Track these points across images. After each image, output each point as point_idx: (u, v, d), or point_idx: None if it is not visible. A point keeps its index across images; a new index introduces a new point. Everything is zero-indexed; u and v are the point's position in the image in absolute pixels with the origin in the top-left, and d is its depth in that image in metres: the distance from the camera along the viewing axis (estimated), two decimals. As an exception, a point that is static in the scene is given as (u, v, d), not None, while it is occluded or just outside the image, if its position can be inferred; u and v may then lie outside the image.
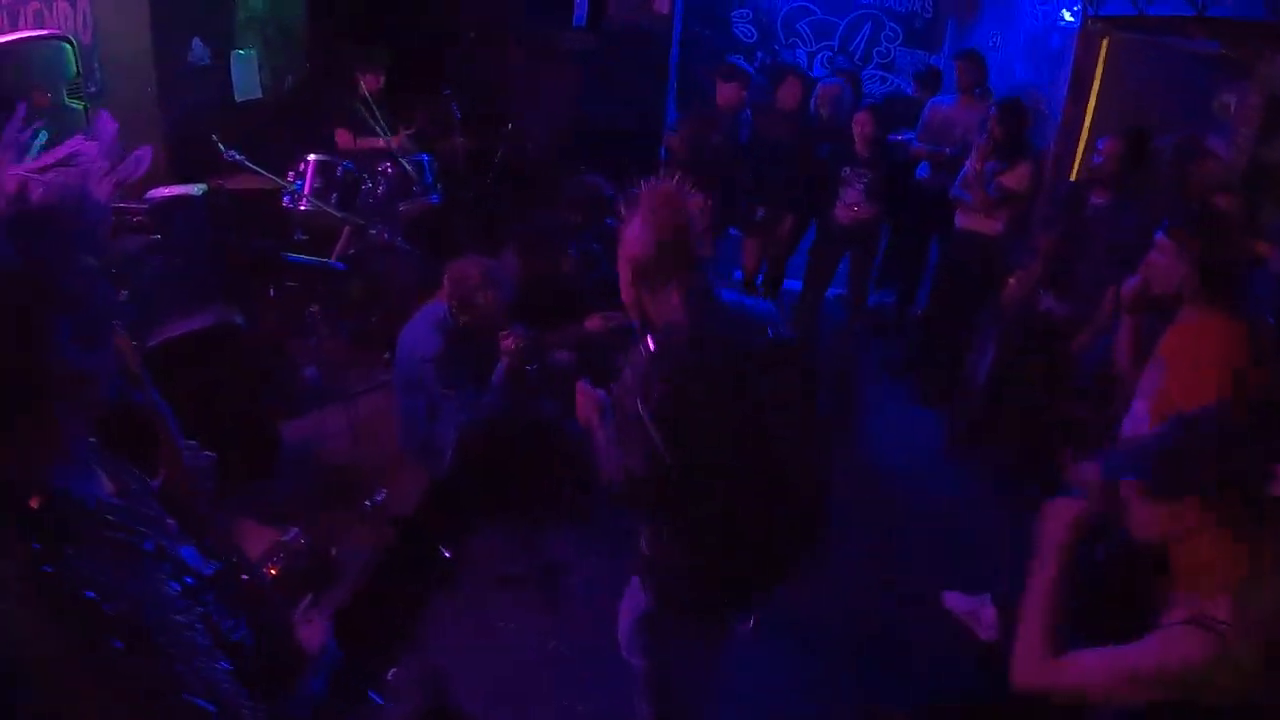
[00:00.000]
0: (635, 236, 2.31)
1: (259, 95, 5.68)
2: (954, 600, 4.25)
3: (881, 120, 6.15)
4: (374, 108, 5.51)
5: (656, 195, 2.30)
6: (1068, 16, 5.85)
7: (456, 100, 5.92)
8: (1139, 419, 3.13)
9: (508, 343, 4.11)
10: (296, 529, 3.53)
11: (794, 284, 7.26)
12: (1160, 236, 3.17)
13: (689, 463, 2.22)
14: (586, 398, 2.56)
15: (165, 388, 3.79)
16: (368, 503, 3.98)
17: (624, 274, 2.39)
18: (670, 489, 2.28)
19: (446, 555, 4.17)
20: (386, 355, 5.19)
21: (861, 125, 6.05)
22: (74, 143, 1.27)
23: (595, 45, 6.43)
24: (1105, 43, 5.95)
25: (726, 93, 6.22)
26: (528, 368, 4.33)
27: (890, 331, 7.41)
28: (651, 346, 2.27)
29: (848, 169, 6.19)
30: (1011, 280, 5.97)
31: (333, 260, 5.15)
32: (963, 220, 6.18)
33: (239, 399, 4.15)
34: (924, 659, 3.92)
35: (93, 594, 1.06)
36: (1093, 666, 1.95)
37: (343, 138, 5.64)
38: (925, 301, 7.15)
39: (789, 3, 8.57)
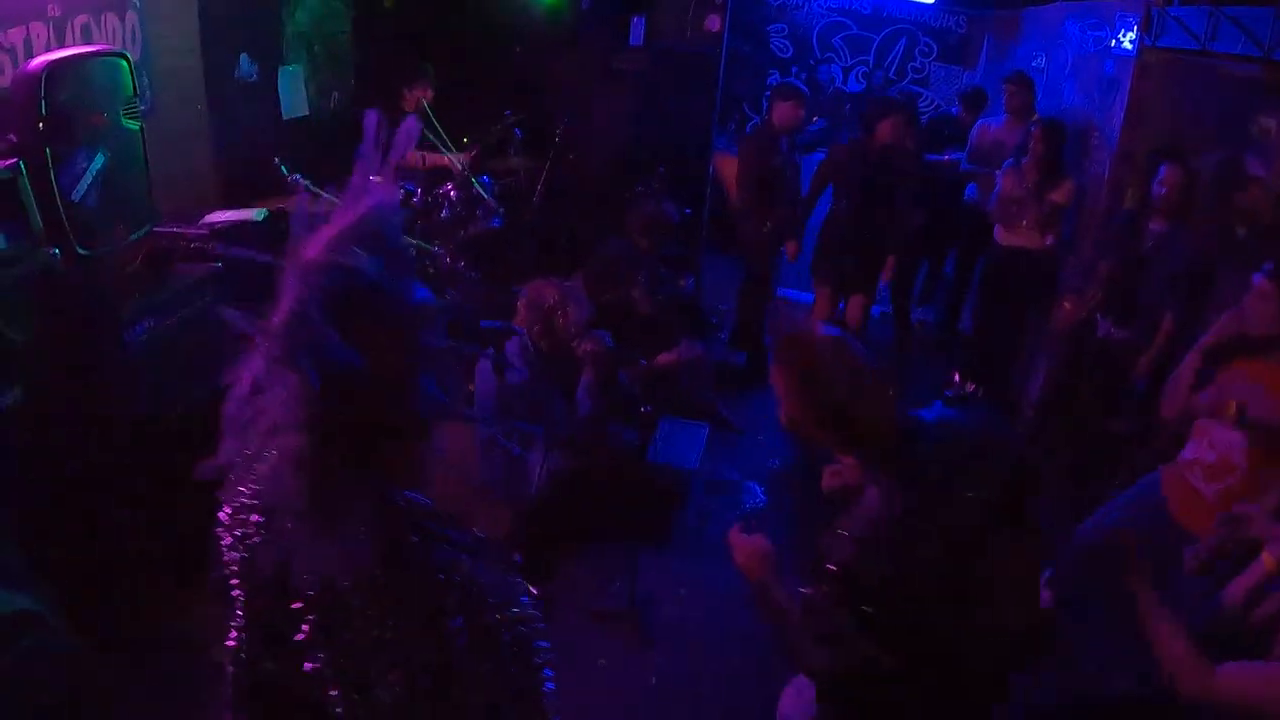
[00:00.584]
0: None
1: (306, 113, 5.44)
2: None
3: (911, 127, 6.24)
4: (434, 125, 5.31)
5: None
6: (1126, 44, 5.78)
7: (517, 121, 5.74)
8: (1225, 443, 3.17)
9: (588, 345, 4.01)
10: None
11: (804, 295, 7.22)
12: (1260, 280, 3.24)
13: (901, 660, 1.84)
14: (749, 549, 2.10)
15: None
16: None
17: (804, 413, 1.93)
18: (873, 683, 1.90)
19: (534, 592, 3.99)
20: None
21: (890, 131, 5.94)
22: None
23: (650, 64, 6.28)
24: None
25: (783, 112, 6.08)
26: (615, 374, 4.25)
27: (933, 348, 7.34)
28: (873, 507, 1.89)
29: None
30: (1067, 304, 5.99)
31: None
32: (1006, 238, 6.20)
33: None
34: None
35: (442, 576, 1.21)
36: (1252, 678, 2.03)
37: (410, 156, 5.42)
38: (970, 320, 7.15)
39: (825, 18, 8.51)
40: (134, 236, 3.72)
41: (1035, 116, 6.70)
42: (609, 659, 3.77)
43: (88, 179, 3.48)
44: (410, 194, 5.05)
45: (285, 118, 5.28)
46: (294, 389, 1.16)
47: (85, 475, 3.31)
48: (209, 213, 4.52)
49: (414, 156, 5.37)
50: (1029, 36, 7.63)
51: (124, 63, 3.69)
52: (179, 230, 4.21)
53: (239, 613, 1.33)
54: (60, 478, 3.24)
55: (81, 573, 3.13)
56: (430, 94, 5.43)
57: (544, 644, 1.32)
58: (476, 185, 5.24)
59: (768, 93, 8.84)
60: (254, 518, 1.31)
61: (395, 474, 1.30)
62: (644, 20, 6.03)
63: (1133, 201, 5.88)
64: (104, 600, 3.22)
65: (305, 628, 1.20)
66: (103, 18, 4.09)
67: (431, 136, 5.26)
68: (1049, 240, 6.09)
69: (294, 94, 5.32)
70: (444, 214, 5.14)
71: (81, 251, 3.34)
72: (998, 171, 6.50)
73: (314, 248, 1.21)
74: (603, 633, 3.89)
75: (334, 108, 5.70)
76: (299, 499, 1.19)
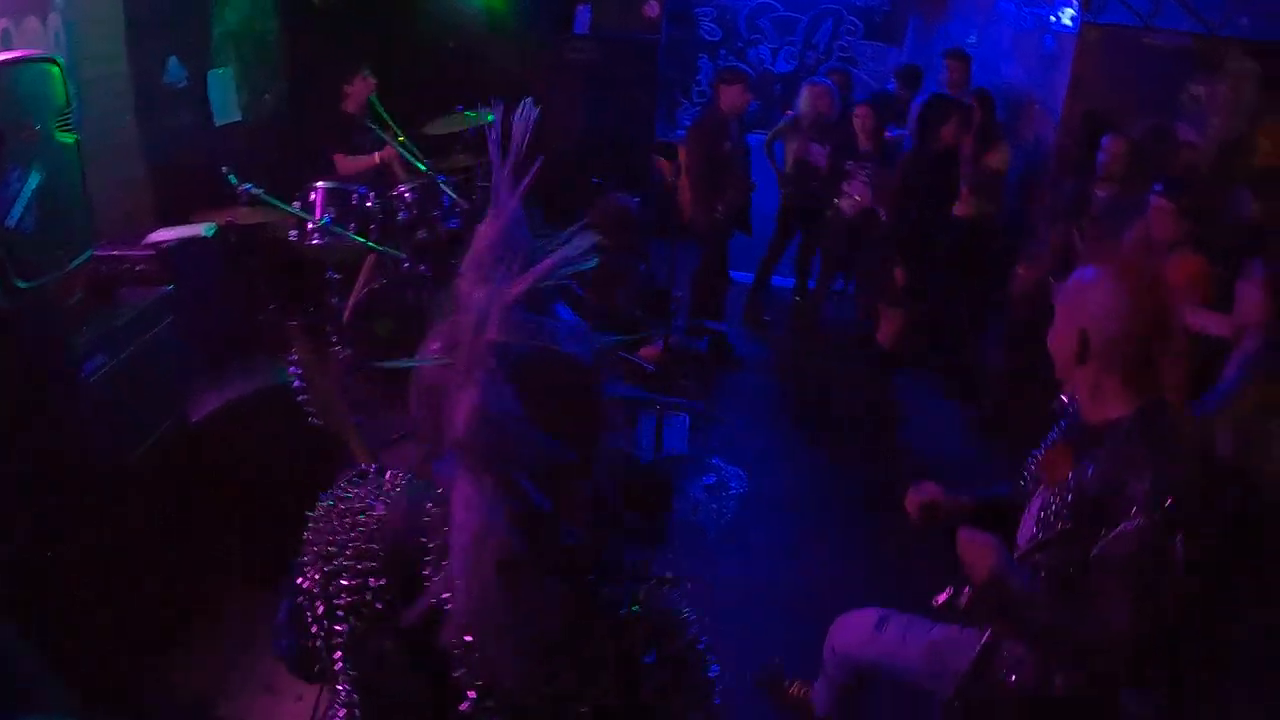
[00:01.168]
0: (1106, 306, 1.88)
1: (239, 118, 5.07)
2: None
3: (880, 114, 6.19)
4: (390, 124, 5.04)
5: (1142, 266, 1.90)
6: (1067, 21, 5.87)
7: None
8: None
9: None
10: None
11: (784, 280, 7.24)
12: (1155, 199, 4.07)
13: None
14: (978, 546, 1.94)
15: (219, 467, 3.33)
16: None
17: (1070, 344, 1.94)
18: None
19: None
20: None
21: (862, 119, 6.08)
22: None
23: (596, 53, 6.07)
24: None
25: (730, 96, 5.98)
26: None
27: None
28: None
29: (850, 163, 6.20)
30: (1020, 270, 6.14)
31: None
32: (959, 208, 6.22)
33: (303, 467, 3.69)
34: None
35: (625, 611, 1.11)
36: None
37: (342, 163, 5.10)
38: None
39: (752, 0, 8.44)
40: (75, 263, 3.36)
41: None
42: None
43: (23, 201, 3.11)
44: (364, 197, 4.74)
45: (217, 124, 4.90)
46: (493, 493, 0.97)
47: (42, 528, 2.98)
48: (148, 231, 4.16)
49: (344, 162, 5.06)
50: (959, 13, 7.71)
51: (55, 69, 3.30)
52: (121, 253, 3.85)
53: (346, 686, 1.19)
54: (12, 531, 2.90)
55: (46, 638, 2.82)
56: (373, 90, 5.12)
57: (716, 669, 1.21)
58: (441, 185, 4.97)
59: (699, 77, 8.79)
60: (377, 604, 1.15)
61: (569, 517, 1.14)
62: (589, 9, 5.81)
63: (1079, 170, 6.01)
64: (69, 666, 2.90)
65: (471, 695, 1.09)
66: (23, 21, 3.70)
67: (387, 137, 4.99)
68: (987, 206, 6.22)
69: (225, 98, 4.95)
70: (401, 216, 4.85)
71: (21, 284, 3.00)
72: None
73: (489, 327, 1.00)
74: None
75: (266, 111, 5.33)
76: (504, 611, 1.00)
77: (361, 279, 4.74)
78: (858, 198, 6.18)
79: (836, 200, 6.32)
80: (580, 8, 5.85)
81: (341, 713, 1.23)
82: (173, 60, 4.53)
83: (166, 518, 3.28)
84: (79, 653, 2.92)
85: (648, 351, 4.58)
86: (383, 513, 1.21)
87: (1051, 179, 6.17)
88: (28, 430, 3.02)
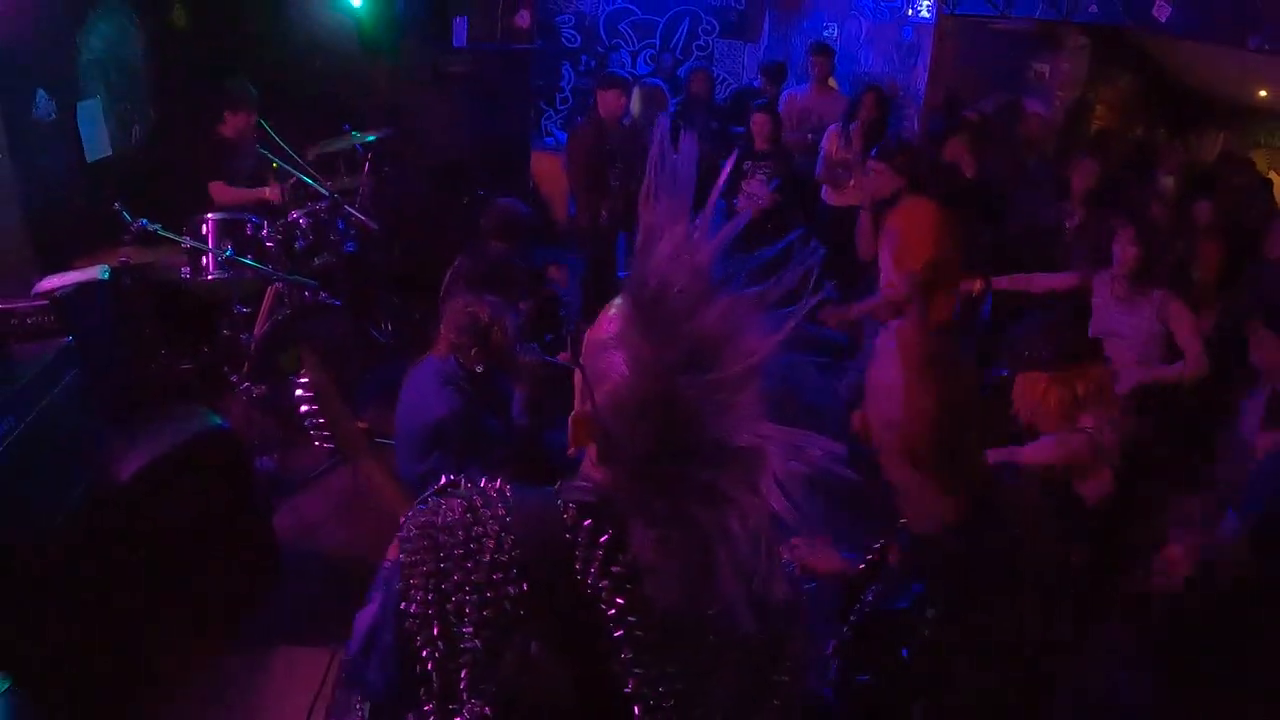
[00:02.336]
0: None
1: (110, 152, 4.76)
2: None
3: (777, 118, 6.44)
4: (283, 146, 4.84)
5: None
6: (925, 13, 6.21)
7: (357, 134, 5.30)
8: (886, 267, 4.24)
9: (528, 359, 3.86)
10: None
11: None
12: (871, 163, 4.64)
13: None
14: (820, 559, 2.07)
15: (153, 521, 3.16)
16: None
17: None
18: None
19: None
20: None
21: (760, 125, 6.31)
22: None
23: (473, 66, 6.00)
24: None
25: (609, 101, 6.05)
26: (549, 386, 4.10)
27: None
28: None
29: (749, 162, 6.41)
30: None
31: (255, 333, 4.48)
32: (835, 198, 6.60)
33: (235, 510, 3.53)
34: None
35: None
36: None
37: (219, 192, 4.86)
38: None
39: (610, 5, 8.54)
40: (-43, 322, 3.13)
41: (834, 82, 7.13)
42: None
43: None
44: (258, 226, 4.55)
45: (90, 159, 4.60)
46: None
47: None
48: (32, 280, 3.88)
49: (221, 191, 4.84)
50: (816, 8, 7.99)
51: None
52: (7, 306, 3.57)
53: (476, 704, 1.14)
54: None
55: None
56: (253, 116, 4.91)
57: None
58: (349, 209, 4.82)
59: (561, 83, 8.82)
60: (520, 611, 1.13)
61: None
62: (466, 21, 5.74)
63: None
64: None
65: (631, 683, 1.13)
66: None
67: (286, 166, 4.79)
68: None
69: (96, 132, 4.64)
70: (299, 244, 4.67)
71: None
72: (810, 136, 6.88)
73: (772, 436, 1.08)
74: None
75: (135, 143, 5.03)
76: None
77: (264, 312, 4.56)
78: (756, 195, 6.37)
79: (734, 200, 6.48)
80: (456, 20, 5.77)
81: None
82: (40, 93, 4.22)
83: (102, 586, 3.08)
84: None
85: (564, 358, 4.61)
86: (505, 515, 1.17)
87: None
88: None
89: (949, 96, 6.45)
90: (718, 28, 8.88)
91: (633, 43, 8.78)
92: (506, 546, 1.14)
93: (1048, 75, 6.77)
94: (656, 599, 1.10)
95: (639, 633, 1.11)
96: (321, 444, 1.96)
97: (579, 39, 8.62)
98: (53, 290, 3.74)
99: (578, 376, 1.17)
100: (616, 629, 1.11)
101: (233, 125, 4.90)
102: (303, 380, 1.95)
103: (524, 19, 6.26)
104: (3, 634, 2.80)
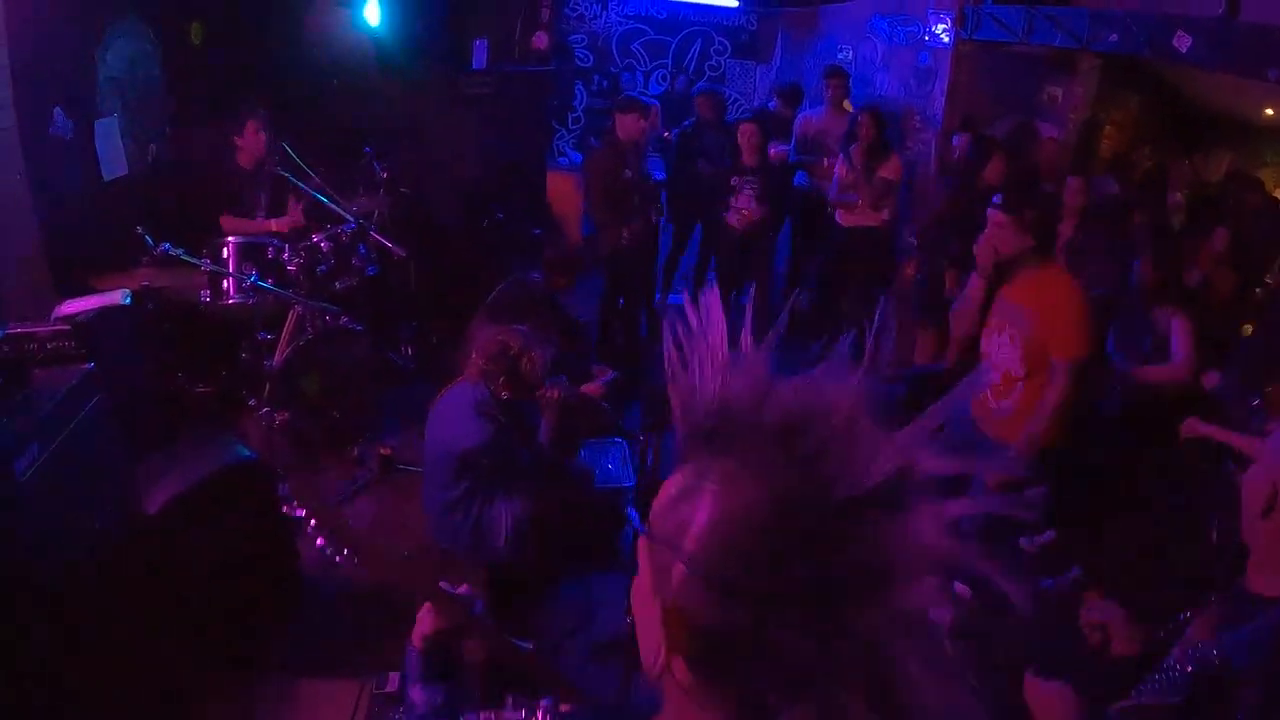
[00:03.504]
0: None
1: (126, 170, 4.68)
2: None
3: (766, 130, 6.45)
4: (307, 170, 4.78)
5: None
6: (943, 38, 6.20)
7: (378, 158, 5.23)
8: (1003, 358, 3.76)
9: (554, 393, 3.79)
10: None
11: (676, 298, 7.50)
12: (993, 212, 3.73)
13: None
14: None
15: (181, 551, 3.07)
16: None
17: (1260, 494, 1.73)
18: None
19: (528, 648, 3.70)
20: (355, 451, 4.55)
21: (749, 136, 6.30)
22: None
23: (493, 87, 5.95)
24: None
25: (627, 124, 6.01)
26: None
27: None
28: None
29: (737, 177, 6.43)
30: (908, 269, 6.53)
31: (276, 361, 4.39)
32: (848, 219, 6.61)
33: (260, 540, 3.44)
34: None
35: None
36: None
37: (229, 225, 4.74)
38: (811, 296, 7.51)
39: (622, 25, 8.54)
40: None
41: (849, 105, 7.13)
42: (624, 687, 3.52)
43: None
44: (279, 250, 4.47)
45: (106, 178, 4.51)
46: None
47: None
48: (50, 304, 3.78)
49: (230, 222, 4.75)
50: (830, 31, 7.99)
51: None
52: (28, 330, 3.47)
53: None
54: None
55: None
56: (268, 136, 4.82)
57: None
58: (377, 234, 4.74)
59: (574, 103, 8.80)
60: None
61: None
62: (486, 43, 5.69)
63: (948, 170, 6.40)
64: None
65: None
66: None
67: (305, 188, 4.71)
68: (885, 215, 6.55)
69: (112, 150, 4.56)
70: (321, 269, 4.59)
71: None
72: (827, 160, 6.86)
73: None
74: (608, 665, 3.57)
75: (151, 162, 4.95)
76: None
77: (285, 337, 4.47)
78: (745, 211, 6.37)
79: (724, 214, 6.48)
80: (476, 43, 5.72)
81: None
82: (58, 111, 4.14)
83: (135, 617, 2.98)
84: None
85: (590, 388, 4.56)
86: None
87: (935, 182, 6.52)
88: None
89: (965, 119, 6.44)
90: (730, 48, 8.91)
91: (645, 63, 8.79)
92: None
93: (1060, 99, 6.78)
94: None
95: None
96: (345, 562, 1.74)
97: (592, 59, 8.62)
98: (74, 315, 3.65)
99: (643, 557, 0.93)
100: None
101: (247, 152, 4.80)
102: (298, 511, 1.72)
103: (541, 40, 6.22)
104: (31, 664, 2.71)
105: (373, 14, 5.65)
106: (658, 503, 0.91)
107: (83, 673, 2.84)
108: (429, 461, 3.81)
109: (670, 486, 0.91)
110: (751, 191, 6.38)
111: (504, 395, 3.64)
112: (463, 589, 1.62)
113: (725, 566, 0.83)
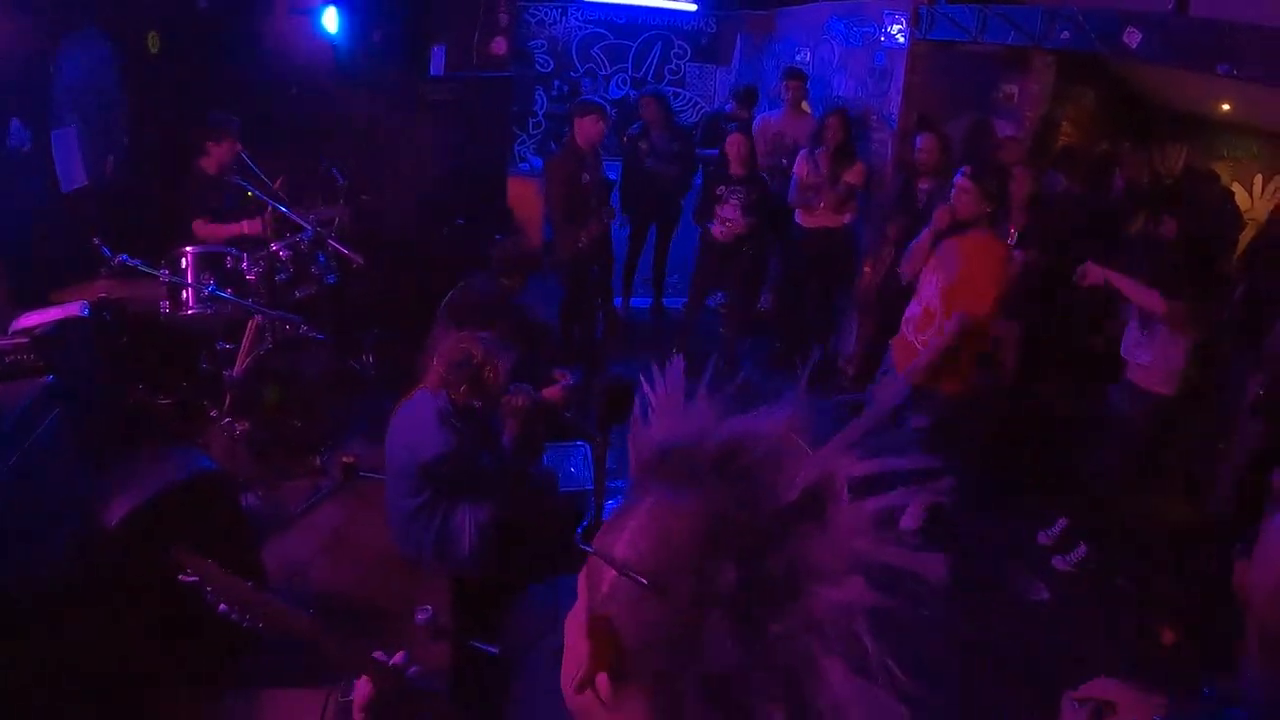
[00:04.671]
0: None
1: (85, 182, 4.66)
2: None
3: (750, 141, 6.52)
4: (261, 179, 4.78)
5: None
6: (899, 38, 6.29)
7: (337, 166, 5.24)
8: (928, 296, 4.51)
9: (519, 400, 3.82)
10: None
11: (674, 301, 7.76)
12: (960, 179, 4.44)
13: None
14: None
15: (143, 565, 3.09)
16: (419, 619, 3.51)
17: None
18: None
19: (494, 652, 3.73)
20: (318, 460, 4.57)
21: (736, 146, 6.35)
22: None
23: (452, 93, 5.97)
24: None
25: (586, 127, 6.06)
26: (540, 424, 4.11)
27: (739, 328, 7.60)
28: None
29: (723, 187, 6.48)
30: (867, 269, 6.61)
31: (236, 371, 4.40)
32: (808, 220, 6.73)
33: (225, 551, 3.44)
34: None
35: None
36: None
37: (202, 230, 4.79)
38: (768, 299, 7.83)
39: (582, 30, 8.56)
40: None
41: (807, 106, 7.22)
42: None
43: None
44: (238, 259, 4.49)
45: (64, 189, 4.50)
46: None
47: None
48: (12, 316, 3.78)
49: (204, 227, 4.78)
50: (788, 33, 8.07)
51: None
52: (-16, 345, 3.47)
53: None
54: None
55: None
56: (236, 146, 4.84)
57: None
58: (331, 240, 4.76)
59: (534, 108, 8.82)
60: None
61: None
62: (444, 49, 5.71)
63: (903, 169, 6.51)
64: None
65: None
66: None
67: (265, 197, 4.72)
68: (846, 218, 6.66)
69: (70, 161, 4.55)
70: (280, 277, 4.61)
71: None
72: (784, 160, 6.95)
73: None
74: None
75: (110, 173, 4.94)
76: None
77: (245, 346, 4.48)
78: (730, 221, 6.42)
79: (708, 224, 6.52)
80: (435, 49, 5.74)
81: None
82: (15, 122, 4.12)
83: (95, 632, 2.99)
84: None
85: (551, 392, 4.59)
86: None
87: (891, 182, 6.61)
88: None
89: (921, 118, 6.54)
90: (689, 52, 8.97)
91: (605, 67, 8.83)
92: None
93: (1016, 96, 6.90)
94: None
95: None
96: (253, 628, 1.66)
97: (551, 64, 8.65)
98: (33, 327, 3.65)
99: (581, 587, 0.97)
100: None
101: (215, 158, 4.84)
102: (191, 579, 1.65)
103: (500, 45, 6.24)
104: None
105: (331, 21, 5.67)
106: (600, 537, 0.96)
107: (41, 689, 2.85)
108: (391, 472, 3.84)
109: (613, 513, 0.97)
110: (737, 201, 6.44)
111: (465, 403, 3.66)
112: (398, 657, 1.61)
113: (654, 566, 0.87)
